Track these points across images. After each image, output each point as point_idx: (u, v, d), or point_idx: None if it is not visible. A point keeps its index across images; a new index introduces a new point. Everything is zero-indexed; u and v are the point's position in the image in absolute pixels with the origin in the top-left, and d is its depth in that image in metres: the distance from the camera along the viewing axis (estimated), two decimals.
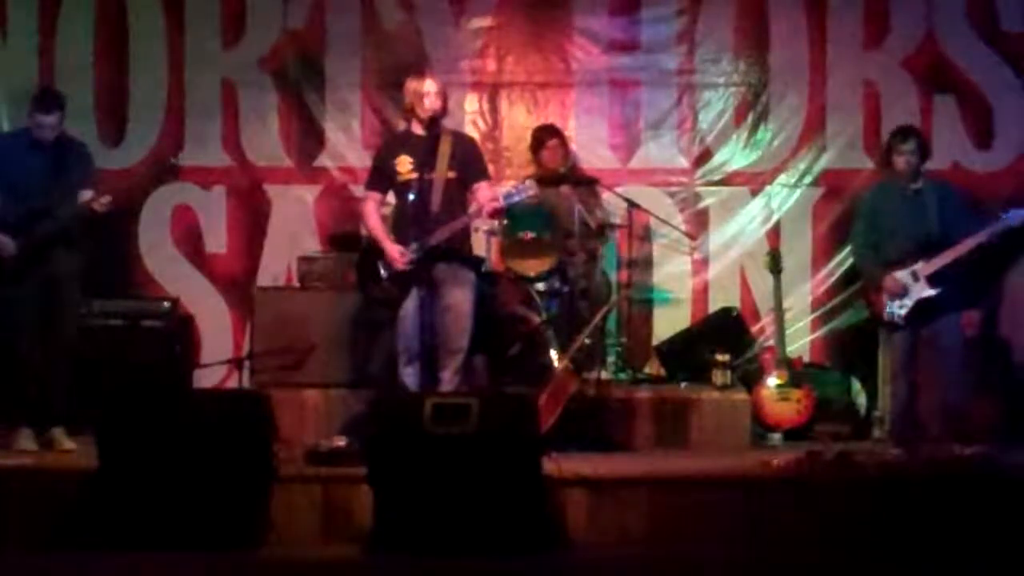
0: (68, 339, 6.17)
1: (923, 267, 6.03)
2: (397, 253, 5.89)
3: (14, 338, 6.09)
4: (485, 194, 5.94)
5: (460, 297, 5.95)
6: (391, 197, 6.16)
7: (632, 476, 5.62)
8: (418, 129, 6.00)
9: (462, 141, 6.15)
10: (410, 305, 5.94)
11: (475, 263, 6.29)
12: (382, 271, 5.99)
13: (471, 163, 6.02)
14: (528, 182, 6.00)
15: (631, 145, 7.65)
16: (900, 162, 6.16)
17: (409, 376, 5.97)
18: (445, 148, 5.95)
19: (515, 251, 6.74)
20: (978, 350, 6.52)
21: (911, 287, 6.06)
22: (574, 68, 7.65)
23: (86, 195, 6.10)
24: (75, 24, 7.57)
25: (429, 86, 5.94)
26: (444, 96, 6.01)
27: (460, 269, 5.98)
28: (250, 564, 5.10)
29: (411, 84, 6.01)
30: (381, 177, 6.11)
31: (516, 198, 5.91)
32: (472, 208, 5.99)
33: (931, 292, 6.03)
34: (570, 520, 5.36)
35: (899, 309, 6.09)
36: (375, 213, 6.11)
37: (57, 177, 6.07)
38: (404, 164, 5.97)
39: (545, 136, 7.25)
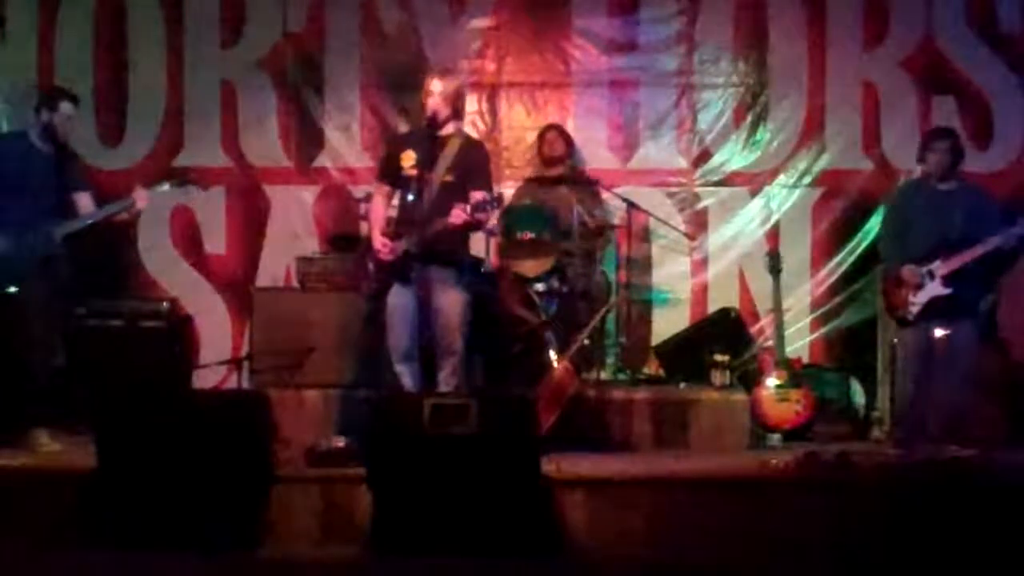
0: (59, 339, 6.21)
1: (939, 266, 6.05)
2: (380, 243, 5.87)
3: (27, 338, 6.09)
4: (473, 197, 5.82)
5: (450, 300, 5.91)
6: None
7: (631, 477, 5.62)
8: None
9: (470, 147, 6.02)
10: (402, 303, 5.91)
11: (473, 264, 6.28)
12: (370, 265, 5.98)
13: (472, 170, 5.90)
14: (497, 194, 5.90)
15: (630, 146, 7.66)
16: (932, 160, 6.19)
17: (404, 374, 5.96)
18: (450, 151, 5.90)
19: (514, 252, 6.74)
20: (977, 350, 6.51)
21: (925, 284, 6.08)
22: (573, 69, 7.66)
23: (84, 198, 6.16)
24: (75, 24, 7.59)
25: (434, 86, 5.89)
26: (450, 99, 5.85)
27: (452, 271, 5.94)
28: (249, 565, 5.09)
29: (426, 81, 5.99)
30: (388, 169, 6.07)
31: (480, 210, 5.75)
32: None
33: (943, 291, 6.05)
34: (569, 521, 5.35)
35: (911, 306, 6.10)
36: (378, 205, 6.06)
37: (58, 178, 6.09)
38: (408, 160, 5.93)
39: (544, 130, 7.37)
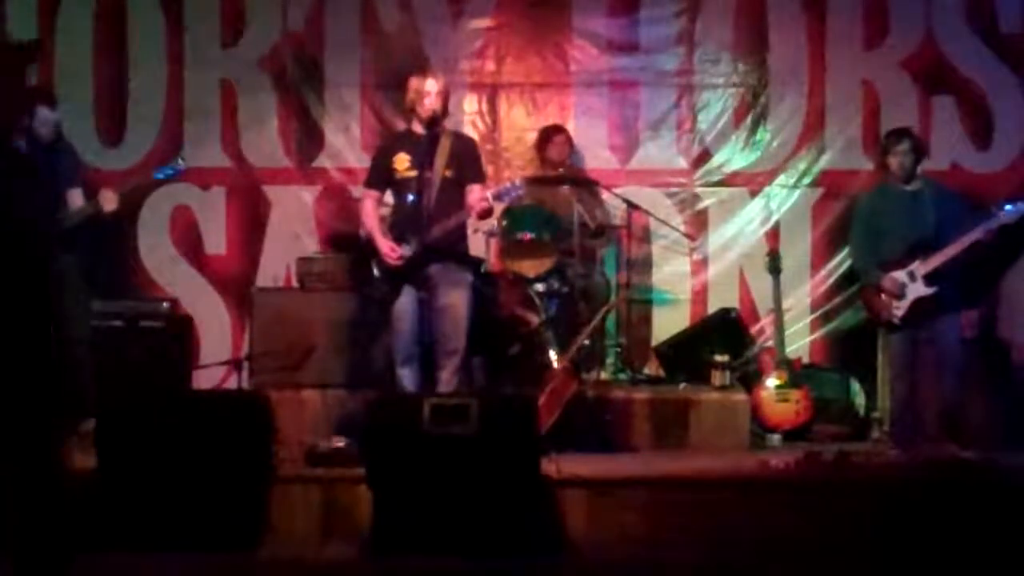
0: (81, 339, 6.16)
1: (919, 266, 6.07)
2: (388, 248, 5.90)
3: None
4: (475, 195, 5.93)
5: (456, 298, 5.94)
6: (390, 197, 6.17)
7: (631, 477, 5.62)
8: (418, 128, 6.01)
9: (461, 141, 6.16)
10: (405, 305, 5.94)
11: (473, 264, 6.29)
12: (375, 269, 6.00)
13: (468, 163, 6.02)
14: (518, 181, 6.00)
15: (630, 146, 7.66)
16: (894, 163, 6.21)
17: (406, 377, 5.97)
18: (444, 147, 5.95)
19: (514, 252, 6.73)
20: (977, 351, 6.51)
21: (908, 287, 6.10)
22: (573, 69, 7.66)
23: (76, 195, 6.15)
24: (75, 24, 7.58)
25: (430, 86, 5.94)
26: (445, 96, 6.00)
27: (456, 270, 5.98)
28: (249, 565, 5.09)
29: (413, 82, 6.02)
30: (380, 175, 6.12)
31: (504, 197, 5.94)
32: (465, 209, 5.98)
33: (928, 291, 6.06)
34: (569, 521, 5.35)
35: (896, 310, 6.11)
36: (372, 210, 6.12)
37: (46, 179, 6.08)
38: (402, 162, 5.98)
39: (551, 132, 7.33)
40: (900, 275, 6.11)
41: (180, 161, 6.45)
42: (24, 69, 3.42)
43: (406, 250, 5.87)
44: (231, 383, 7.09)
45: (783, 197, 7.59)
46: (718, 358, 6.87)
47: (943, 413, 6.18)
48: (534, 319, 6.55)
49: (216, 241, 7.66)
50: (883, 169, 6.23)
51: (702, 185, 7.63)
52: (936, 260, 6.05)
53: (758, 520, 5.31)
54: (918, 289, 6.09)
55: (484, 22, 7.64)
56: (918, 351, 6.20)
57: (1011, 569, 4.98)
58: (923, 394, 6.22)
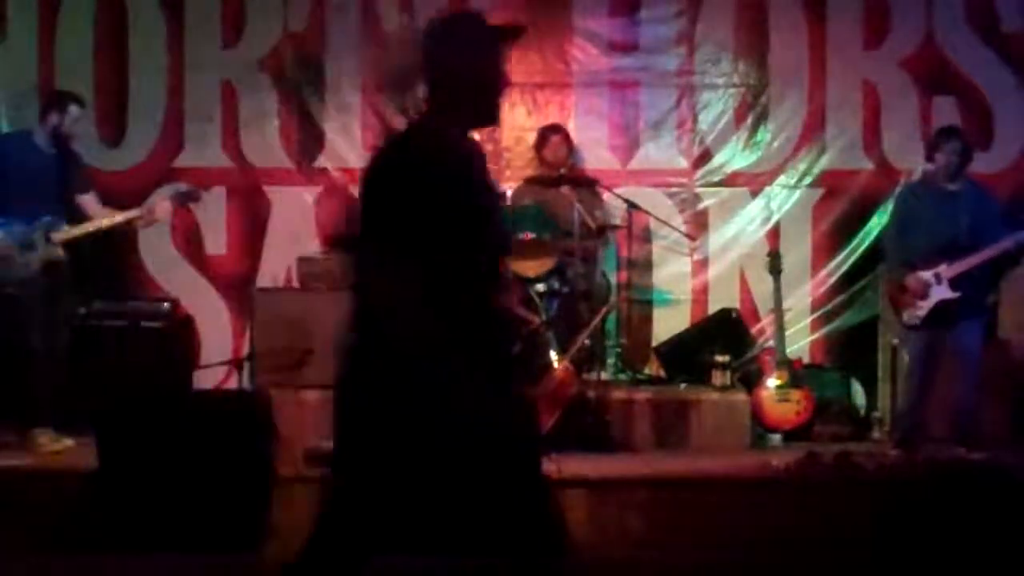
0: (55, 349, 6.19)
1: (946, 269, 6.04)
2: None
3: (26, 339, 6.10)
4: None
5: None
6: None
7: (632, 477, 5.63)
8: None
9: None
10: None
11: None
12: None
13: None
14: (504, 186, 6.01)
15: (631, 146, 7.66)
16: (941, 160, 6.18)
17: None
18: None
19: (515, 252, 6.73)
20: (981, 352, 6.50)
21: (932, 288, 6.06)
22: (574, 69, 7.66)
23: (88, 200, 6.19)
24: (75, 25, 7.59)
25: None
26: None
27: None
28: (250, 565, 5.08)
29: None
30: None
31: None
32: None
33: (951, 295, 6.04)
34: (570, 521, 5.34)
35: (918, 310, 6.09)
36: None
37: (61, 180, 6.11)
38: None
39: (549, 132, 7.30)
40: (926, 276, 6.09)
41: None
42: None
43: None
44: (232, 383, 7.09)
45: (784, 197, 7.59)
46: (718, 358, 6.88)
47: (954, 415, 6.16)
48: (534, 319, 6.55)
49: (217, 241, 7.66)
50: (884, 168, 6.20)
51: (703, 185, 7.63)
52: (963, 265, 6.02)
53: (759, 520, 5.31)
54: (942, 292, 6.06)
55: None
56: (935, 353, 6.18)
57: (1012, 570, 4.97)
58: (935, 396, 6.20)
